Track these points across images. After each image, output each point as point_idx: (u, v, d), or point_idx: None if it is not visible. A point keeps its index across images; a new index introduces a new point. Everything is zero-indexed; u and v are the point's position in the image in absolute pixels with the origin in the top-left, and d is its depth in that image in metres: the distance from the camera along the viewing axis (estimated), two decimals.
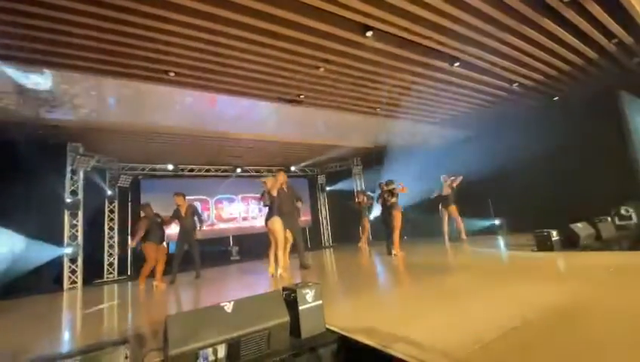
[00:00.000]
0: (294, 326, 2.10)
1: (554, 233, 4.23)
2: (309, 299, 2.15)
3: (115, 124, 6.29)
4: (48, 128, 6.06)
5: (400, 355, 1.61)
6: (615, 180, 6.32)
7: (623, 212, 5.61)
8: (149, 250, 5.68)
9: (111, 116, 5.98)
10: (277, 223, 4.97)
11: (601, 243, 4.41)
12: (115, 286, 6.99)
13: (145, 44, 3.86)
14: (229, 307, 1.90)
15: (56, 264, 6.76)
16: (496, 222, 8.15)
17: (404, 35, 4.23)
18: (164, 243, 6.08)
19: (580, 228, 4.38)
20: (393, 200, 6.20)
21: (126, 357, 1.69)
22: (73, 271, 6.91)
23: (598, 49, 5.10)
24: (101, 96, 5.23)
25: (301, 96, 5.83)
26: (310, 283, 2.25)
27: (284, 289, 2.28)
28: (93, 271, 7.53)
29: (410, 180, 7.07)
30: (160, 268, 5.76)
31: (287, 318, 2.02)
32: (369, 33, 4.08)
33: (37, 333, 3.28)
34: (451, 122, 8.12)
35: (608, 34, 4.72)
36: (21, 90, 4.72)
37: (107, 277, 8.01)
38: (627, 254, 3.71)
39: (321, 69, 4.91)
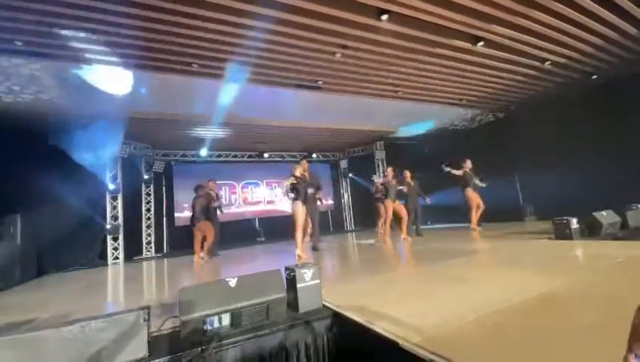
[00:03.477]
0: (293, 302, 2.30)
1: (574, 221, 4.05)
2: (307, 278, 2.34)
3: (151, 114, 6.71)
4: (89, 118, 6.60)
5: (380, 331, 1.74)
6: None
7: None
8: (211, 227, 6.34)
9: (146, 106, 6.38)
10: (300, 208, 5.36)
11: (627, 232, 4.15)
12: (153, 262, 7.67)
13: (170, 39, 4.09)
14: (232, 282, 2.13)
15: (100, 241, 7.55)
16: (524, 207, 7.86)
17: (422, 16, 4.13)
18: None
19: (604, 216, 4.15)
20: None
21: (144, 320, 1.98)
22: (115, 248, 7.65)
23: (637, 23, 4.65)
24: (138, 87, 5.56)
25: (319, 82, 5.87)
26: (309, 264, 2.43)
27: (286, 268, 2.48)
28: (132, 249, 8.26)
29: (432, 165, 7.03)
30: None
31: (284, 294, 2.22)
32: (384, 17, 4.03)
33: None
34: (478, 104, 7.80)
35: None
36: (63, 84, 5.18)
37: (145, 254, 8.76)
38: None
39: (338, 55, 4.92)
